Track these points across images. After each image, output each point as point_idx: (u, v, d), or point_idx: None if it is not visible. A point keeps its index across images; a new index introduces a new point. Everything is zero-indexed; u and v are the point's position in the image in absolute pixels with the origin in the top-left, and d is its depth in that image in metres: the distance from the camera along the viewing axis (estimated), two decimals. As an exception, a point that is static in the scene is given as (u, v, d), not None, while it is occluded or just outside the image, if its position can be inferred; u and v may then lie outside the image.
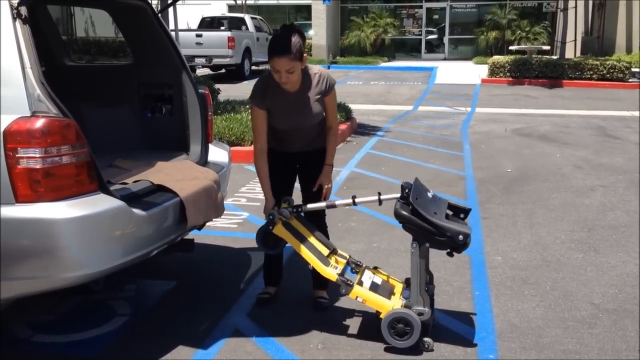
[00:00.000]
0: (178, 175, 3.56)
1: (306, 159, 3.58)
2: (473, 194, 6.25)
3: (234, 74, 18.29)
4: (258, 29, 20.29)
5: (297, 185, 3.73)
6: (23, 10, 2.78)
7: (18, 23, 2.76)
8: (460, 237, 3.10)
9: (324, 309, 3.68)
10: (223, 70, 19.02)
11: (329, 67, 20.40)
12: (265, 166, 3.51)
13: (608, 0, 21.43)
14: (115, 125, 4.35)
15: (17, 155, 2.65)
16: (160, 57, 4.17)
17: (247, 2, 24.83)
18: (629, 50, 21.23)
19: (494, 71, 17.32)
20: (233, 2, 25.23)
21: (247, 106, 9.42)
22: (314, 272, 3.75)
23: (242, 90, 14.07)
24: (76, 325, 3.50)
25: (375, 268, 3.59)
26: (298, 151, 3.57)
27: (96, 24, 19.35)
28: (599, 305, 3.77)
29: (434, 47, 27.22)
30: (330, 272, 3.32)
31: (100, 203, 2.86)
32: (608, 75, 16.36)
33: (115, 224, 2.93)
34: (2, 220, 2.64)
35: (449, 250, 3.22)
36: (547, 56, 19.30)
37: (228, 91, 12.44)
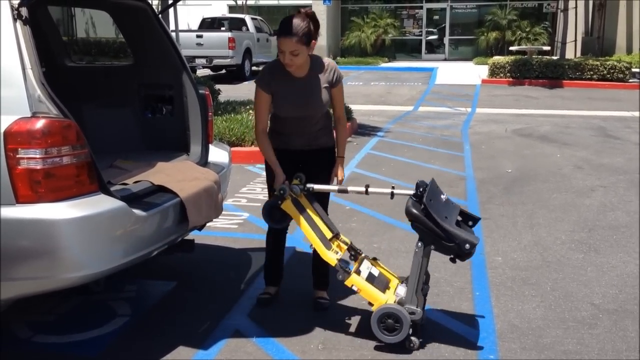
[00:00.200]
0: (178, 175, 3.56)
1: (308, 159, 3.58)
2: (473, 195, 6.26)
3: (235, 75, 18.30)
4: (258, 29, 20.29)
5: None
6: (24, 11, 2.78)
7: (19, 24, 2.76)
8: (467, 245, 3.10)
9: (324, 309, 3.68)
10: (223, 71, 19.02)
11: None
12: (268, 144, 3.52)
13: (608, 0, 21.43)
14: (116, 126, 4.36)
15: (17, 156, 2.66)
16: (160, 57, 4.17)
17: (248, 2, 24.84)
18: (629, 50, 21.23)
19: (494, 72, 17.32)
20: (233, 3, 25.26)
21: (248, 107, 9.43)
22: (314, 272, 3.76)
23: (243, 90, 14.09)
24: (77, 326, 3.50)
25: (374, 259, 3.59)
26: (300, 149, 3.57)
27: (97, 25, 19.34)
28: (600, 306, 3.77)
29: (434, 48, 27.22)
30: (331, 256, 3.32)
31: (100, 204, 2.86)
32: (608, 76, 16.36)
33: (116, 224, 2.93)
34: (3, 221, 2.65)
35: (452, 256, 3.22)
36: (548, 57, 19.30)
37: (228, 92, 12.44)
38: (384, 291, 3.33)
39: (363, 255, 3.53)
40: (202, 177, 3.61)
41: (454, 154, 8.32)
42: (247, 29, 19.64)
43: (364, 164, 7.67)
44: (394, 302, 3.25)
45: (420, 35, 27.11)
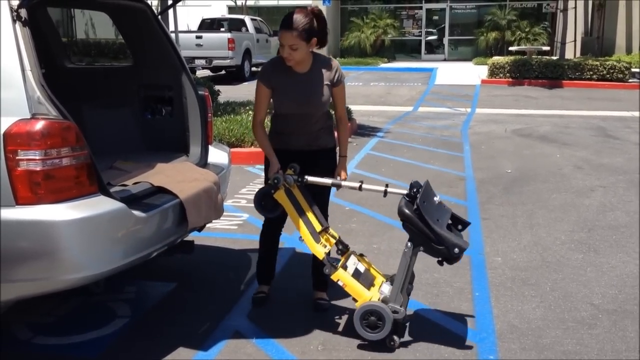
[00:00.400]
0: (178, 176, 3.56)
1: (308, 159, 3.57)
2: (473, 195, 6.26)
3: (234, 76, 18.30)
4: (258, 30, 20.30)
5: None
6: (23, 13, 2.79)
7: (18, 25, 2.76)
8: (456, 250, 3.13)
9: (324, 310, 3.68)
10: (223, 72, 19.02)
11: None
12: (264, 133, 3.54)
13: (608, 0, 21.44)
14: (115, 127, 4.36)
15: (17, 158, 2.66)
16: (160, 59, 4.18)
17: (247, 3, 24.85)
18: (628, 50, 21.25)
19: (493, 72, 17.33)
20: (233, 4, 25.26)
21: (247, 108, 9.43)
22: (314, 273, 3.76)
23: (242, 91, 14.09)
24: (77, 327, 3.50)
25: (361, 255, 3.61)
26: (299, 150, 3.57)
27: (96, 26, 19.35)
28: (599, 306, 3.77)
29: (433, 48, 27.23)
30: (319, 250, 3.34)
31: (100, 205, 2.86)
32: (608, 76, 16.36)
33: (116, 225, 2.93)
34: (3, 222, 2.65)
35: (440, 259, 3.24)
36: (547, 57, 19.32)
37: (228, 93, 12.44)
38: (368, 288, 3.35)
39: (350, 250, 3.55)
40: (201, 178, 3.61)
41: (454, 154, 8.32)
42: (247, 30, 19.65)
43: (363, 164, 7.67)
44: (378, 299, 3.27)
45: (420, 36, 27.12)
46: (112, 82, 4.58)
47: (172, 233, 3.36)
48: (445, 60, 25.98)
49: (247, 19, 20.40)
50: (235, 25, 19.90)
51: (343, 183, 3.50)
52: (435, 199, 3.35)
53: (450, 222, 3.37)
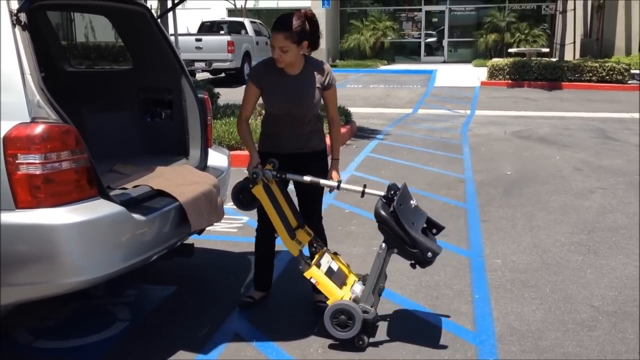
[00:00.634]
0: (178, 180, 3.56)
1: (299, 162, 3.56)
2: (473, 197, 6.26)
3: (234, 78, 18.29)
4: (257, 33, 20.31)
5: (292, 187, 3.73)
6: (22, 17, 2.79)
7: (17, 29, 2.76)
8: (429, 254, 3.16)
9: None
10: (223, 75, 19.04)
11: (328, 71, 20.41)
12: (247, 129, 3.58)
13: (607, 1, 21.47)
14: (115, 130, 4.36)
15: (17, 161, 2.66)
16: (159, 62, 4.18)
17: (247, 6, 24.86)
18: (628, 52, 21.27)
19: (493, 74, 17.35)
20: (232, 7, 25.28)
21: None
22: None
23: (242, 94, 14.06)
24: (77, 331, 3.50)
25: (335, 254, 3.63)
26: (290, 152, 3.57)
27: (96, 30, 19.38)
28: (599, 308, 3.77)
29: (433, 50, 27.27)
30: (293, 246, 3.37)
31: (100, 208, 2.86)
32: (607, 77, 16.38)
33: (115, 229, 2.93)
34: (2, 226, 2.65)
35: (413, 262, 3.27)
36: (546, 58, 19.36)
37: (228, 95, 12.44)
38: (341, 287, 3.38)
39: (325, 249, 3.58)
40: (201, 181, 3.61)
41: (453, 156, 8.32)
42: (246, 33, 19.67)
43: (363, 166, 7.67)
44: (350, 299, 3.30)
45: (419, 38, 27.16)
46: (112, 86, 4.58)
47: (172, 236, 3.36)
48: (444, 62, 26.02)
49: (246, 22, 20.42)
50: (235, 28, 19.92)
51: (321, 181, 3.50)
52: (411, 202, 3.39)
53: (425, 225, 3.41)
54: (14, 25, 2.76)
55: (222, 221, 3.92)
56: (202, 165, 4.03)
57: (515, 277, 4.24)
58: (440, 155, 8.37)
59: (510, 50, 22.07)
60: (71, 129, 2.80)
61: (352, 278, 3.52)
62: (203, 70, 18.60)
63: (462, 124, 11.25)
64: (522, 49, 21.88)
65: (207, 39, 18.15)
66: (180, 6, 4.96)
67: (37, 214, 2.69)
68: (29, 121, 2.70)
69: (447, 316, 3.67)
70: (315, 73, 3.50)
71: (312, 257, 3.48)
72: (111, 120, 4.38)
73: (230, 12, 26.23)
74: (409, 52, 27.41)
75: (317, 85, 3.50)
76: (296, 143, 3.56)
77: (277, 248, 3.84)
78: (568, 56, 19.67)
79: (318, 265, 3.37)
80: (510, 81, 16.90)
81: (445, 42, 26.88)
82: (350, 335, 3.24)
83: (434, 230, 3.46)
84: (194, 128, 4.11)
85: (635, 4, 21.06)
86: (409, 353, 3.25)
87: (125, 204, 3.01)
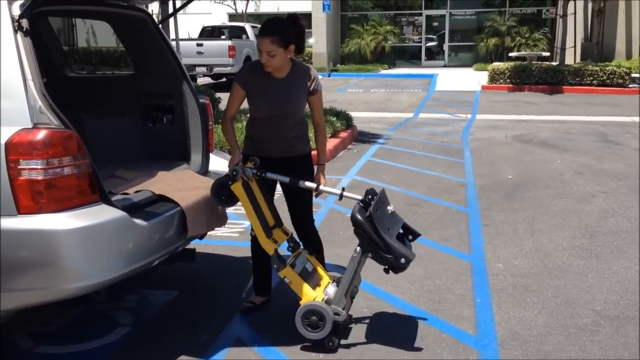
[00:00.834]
0: (179, 185, 3.57)
1: (285, 167, 3.55)
2: (474, 201, 6.26)
3: (235, 83, 18.31)
4: (258, 37, 20.34)
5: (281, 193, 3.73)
6: (24, 23, 2.80)
7: (19, 35, 2.77)
8: (403, 260, 3.18)
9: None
10: (224, 79, 19.06)
11: (329, 75, 20.47)
12: (232, 128, 3.62)
13: (608, 2, 21.49)
14: (117, 136, 4.37)
15: (19, 167, 2.67)
16: (160, 67, 4.19)
17: (248, 11, 24.92)
18: (628, 55, 21.29)
19: (494, 78, 17.36)
20: (234, 11, 25.34)
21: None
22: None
23: (243, 98, 14.08)
24: (78, 336, 3.50)
25: (311, 254, 3.64)
26: (275, 157, 3.57)
27: (97, 35, 19.42)
28: (601, 312, 3.76)
29: (434, 54, 27.27)
30: (269, 244, 3.39)
31: (101, 214, 2.87)
32: (608, 81, 16.39)
33: (117, 234, 2.93)
34: (4, 232, 2.65)
35: (387, 267, 3.28)
36: (547, 62, 19.33)
37: (229, 100, 12.48)
38: (314, 288, 3.40)
39: (301, 249, 3.60)
40: (203, 186, 3.62)
41: (455, 160, 8.32)
42: (247, 37, 19.70)
43: (364, 171, 7.68)
44: (322, 300, 3.32)
45: (420, 42, 27.17)
46: (113, 91, 4.59)
47: (173, 241, 3.36)
48: (445, 66, 26.01)
49: (247, 27, 20.47)
50: (236, 33, 19.97)
51: (300, 182, 3.49)
52: (388, 207, 3.41)
53: (401, 231, 3.43)
54: (15, 31, 2.77)
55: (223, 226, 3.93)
56: (204, 170, 4.03)
57: (517, 282, 4.23)
58: (442, 160, 8.37)
59: (510, 54, 22.09)
60: (73, 135, 2.80)
61: (326, 279, 3.55)
62: (204, 75, 18.63)
63: (463, 128, 11.25)
64: (522, 53, 21.89)
65: (208, 43, 18.19)
66: (181, 11, 4.96)
67: (39, 220, 2.69)
68: (31, 127, 2.70)
69: (449, 321, 3.66)
70: (302, 77, 3.53)
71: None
72: (113, 125, 4.39)
73: (232, 16, 26.30)
74: (410, 56, 27.43)
75: (303, 89, 3.52)
76: (280, 147, 3.58)
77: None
78: (569, 60, 19.68)
79: (293, 266, 3.39)
80: (511, 85, 16.92)
81: (445, 47, 26.89)
82: (321, 336, 3.26)
83: (410, 237, 3.48)
84: (195, 133, 4.12)
85: (635, 7, 21.08)
86: (410, 358, 3.24)
87: (127, 209, 3.01)
